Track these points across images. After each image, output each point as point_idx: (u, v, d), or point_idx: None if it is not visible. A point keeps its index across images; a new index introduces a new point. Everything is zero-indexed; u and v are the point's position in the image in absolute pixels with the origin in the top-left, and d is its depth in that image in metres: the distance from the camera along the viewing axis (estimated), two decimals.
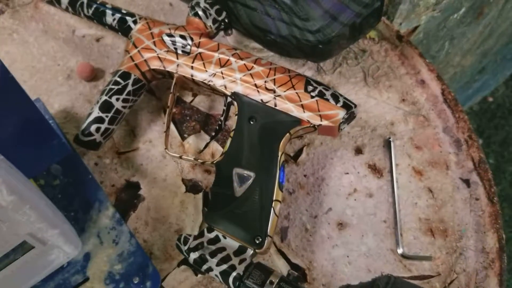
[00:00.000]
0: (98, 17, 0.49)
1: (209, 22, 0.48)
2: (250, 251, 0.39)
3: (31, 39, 0.54)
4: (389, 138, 0.50)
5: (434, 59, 0.93)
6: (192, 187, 0.47)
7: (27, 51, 0.54)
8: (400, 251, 0.45)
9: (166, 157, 0.48)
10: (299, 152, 0.49)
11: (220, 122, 0.46)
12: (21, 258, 0.36)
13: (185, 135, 0.50)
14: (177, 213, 0.45)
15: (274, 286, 0.36)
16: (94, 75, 0.51)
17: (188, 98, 0.52)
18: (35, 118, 0.33)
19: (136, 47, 0.47)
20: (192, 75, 0.45)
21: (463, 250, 0.45)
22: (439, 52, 0.92)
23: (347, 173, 0.48)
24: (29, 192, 0.32)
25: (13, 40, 0.54)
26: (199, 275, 0.42)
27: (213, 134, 0.46)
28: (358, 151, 0.49)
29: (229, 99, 0.45)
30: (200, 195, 0.46)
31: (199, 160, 0.44)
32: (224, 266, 0.38)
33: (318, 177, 0.48)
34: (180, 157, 0.45)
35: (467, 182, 0.49)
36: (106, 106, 0.44)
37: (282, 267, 0.43)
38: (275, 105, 0.43)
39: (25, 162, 0.34)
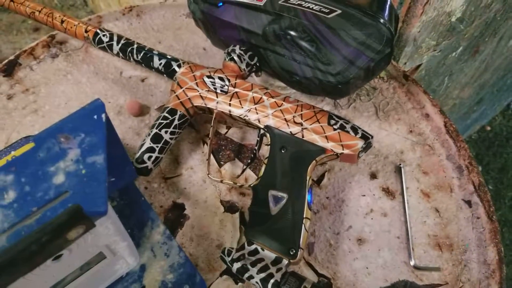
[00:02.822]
0: (146, 62, 0.57)
1: (243, 66, 0.55)
2: (285, 261, 0.45)
3: (84, 80, 0.62)
4: (400, 164, 0.57)
5: (434, 92, 1.01)
6: (229, 207, 0.54)
7: (81, 90, 0.61)
8: (412, 263, 0.51)
9: (206, 181, 0.55)
10: (321, 177, 0.56)
11: (254, 151, 0.53)
12: (95, 267, 0.42)
13: (222, 163, 0.57)
14: (218, 230, 0.52)
15: None
16: (141, 111, 0.59)
17: (222, 130, 0.59)
18: (118, 147, 0.40)
19: (181, 87, 0.54)
20: (230, 111, 0.53)
21: (467, 262, 0.52)
22: (439, 87, 1.00)
23: (364, 195, 0.55)
24: (110, 208, 0.39)
25: (68, 81, 0.62)
26: (239, 284, 0.49)
27: (249, 161, 0.53)
28: (373, 176, 0.57)
29: (262, 131, 0.52)
30: (237, 214, 0.53)
31: (237, 184, 0.51)
32: (263, 274, 0.44)
33: (338, 199, 0.55)
34: (221, 181, 0.52)
35: (469, 203, 0.55)
36: (156, 138, 0.52)
37: (310, 277, 0.50)
38: (303, 136, 0.50)
39: None
